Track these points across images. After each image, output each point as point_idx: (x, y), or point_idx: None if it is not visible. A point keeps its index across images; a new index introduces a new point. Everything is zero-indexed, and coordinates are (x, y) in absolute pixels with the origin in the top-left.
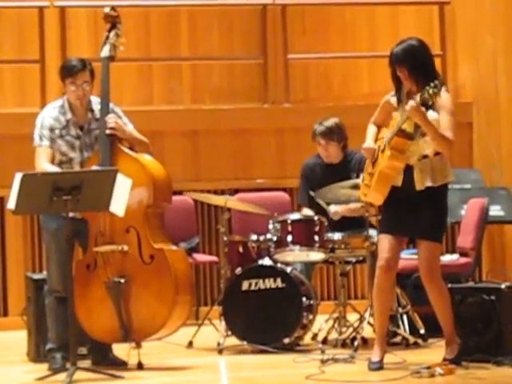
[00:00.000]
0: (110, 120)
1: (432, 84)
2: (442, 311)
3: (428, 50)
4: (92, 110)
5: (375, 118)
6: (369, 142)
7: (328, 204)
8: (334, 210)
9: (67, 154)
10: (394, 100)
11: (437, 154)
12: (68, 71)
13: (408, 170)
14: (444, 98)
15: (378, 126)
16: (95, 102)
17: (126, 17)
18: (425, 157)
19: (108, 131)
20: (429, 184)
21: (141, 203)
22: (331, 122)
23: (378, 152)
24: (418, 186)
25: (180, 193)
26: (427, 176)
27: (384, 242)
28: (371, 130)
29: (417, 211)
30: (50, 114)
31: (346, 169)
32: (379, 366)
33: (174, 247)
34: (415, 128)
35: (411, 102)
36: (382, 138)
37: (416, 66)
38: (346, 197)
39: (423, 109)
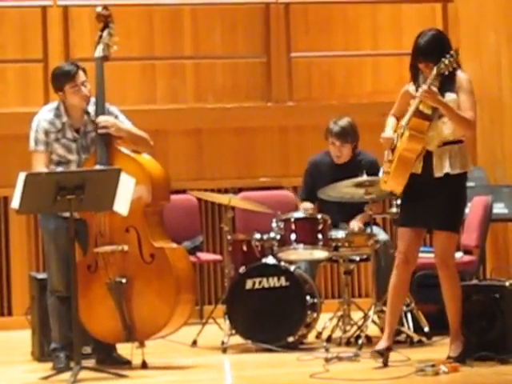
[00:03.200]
0: (101, 119)
1: (448, 55)
2: (452, 302)
3: (449, 41)
4: (88, 113)
5: (395, 110)
6: (388, 132)
7: (337, 217)
8: (358, 227)
9: (65, 156)
10: (412, 89)
11: (457, 142)
12: (66, 76)
13: (427, 157)
14: (462, 78)
15: (398, 117)
16: (91, 104)
17: (129, 16)
18: (445, 144)
19: (100, 131)
20: (447, 171)
21: (139, 202)
22: (345, 121)
23: (397, 139)
24: (437, 173)
25: (183, 191)
26: (446, 163)
27: (403, 235)
28: (391, 121)
29: (434, 202)
30: (45, 117)
31: (355, 169)
32: (382, 352)
33: (174, 245)
34: (433, 109)
35: (423, 86)
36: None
37: (440, 57)
38: (349, 195)
39: (435, 89)
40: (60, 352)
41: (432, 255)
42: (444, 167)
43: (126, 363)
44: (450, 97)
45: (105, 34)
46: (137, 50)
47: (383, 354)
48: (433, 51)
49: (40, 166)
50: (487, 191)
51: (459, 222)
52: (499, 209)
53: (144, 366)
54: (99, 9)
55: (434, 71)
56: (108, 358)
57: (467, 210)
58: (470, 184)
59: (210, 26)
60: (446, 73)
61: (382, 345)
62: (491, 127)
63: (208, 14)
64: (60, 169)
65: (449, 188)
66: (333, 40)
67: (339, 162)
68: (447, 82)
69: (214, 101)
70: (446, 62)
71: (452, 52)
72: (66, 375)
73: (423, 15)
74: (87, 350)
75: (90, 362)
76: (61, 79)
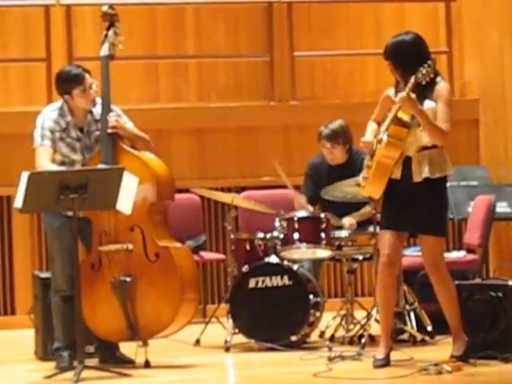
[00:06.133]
0: (112, 118)
1: (425, 64)
2: (448, 304)
3: (421, 45)
4: (91, 112)
5: (376, 116)
6: (367, 136)
7: (340, 217)
8: (350, 223)
9: (68, 156)
10: (392, 93)
11: (436, 146)
12: (75, 81)
13: (406, 162)
14: (442, 87)
15: (378, 122)
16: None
17: (132, 15)
18: (424, 148)
19: (110, 130)
20: (426, 175)
21: (144, 201)
22: (336, 124)
23: (376, 145)
24: (416, 178)
25: (186, 191)
26: (425, 168)
27: (385, 238)
28: (371, 126)
29: (416, 206)
30: (50, 117)
31: (352, 168)
32: (383, 363)
33: (178, 244)
34: (411, 116)
35: (401, 94)
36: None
37: (403, 61)
38: (351, 194)
39: (413, 95)
40: (63, 351)
41: None
42: (423, 172)
43: (129, 362)
44: (428, 105)
45: (110, 32)
46: (140, 49)
47: (387, 364)
48: (392, 50)
49: (45, 158)
50: (490, 190)
51: (444, 226)
52: (502, 208)
53: (147, 365)
54: (105, 8)
55: (412, 80)
56: (111, 357)
57: (470, 209)
58: (472, 183)
59: (212, 25)
60: (424, 82)
61: (382, 353)
62: (494, 126)
63: (211, 13)
64: (63, 169)
65: (430, 192)
66: (336, 39)
67: (333, 163)
68: (426, 90)
69: (216, 100)
70: (424, 71)
71: (429, 62)
72: (69, 374)
73: (426, 14)
74: (90, 349)
75: (93, 361)
76: (70, 83)
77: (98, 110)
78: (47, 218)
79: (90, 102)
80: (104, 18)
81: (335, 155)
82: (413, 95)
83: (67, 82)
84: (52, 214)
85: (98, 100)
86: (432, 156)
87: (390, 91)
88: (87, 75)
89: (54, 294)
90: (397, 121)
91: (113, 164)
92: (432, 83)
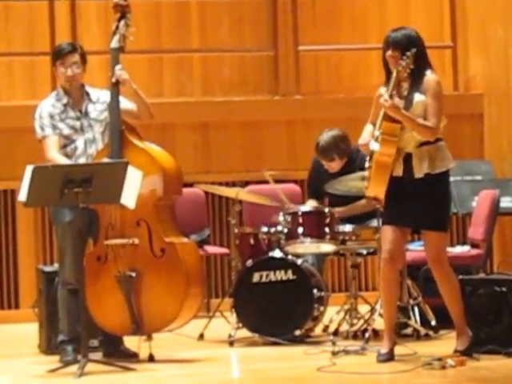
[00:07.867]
0: (118, 71)
1: (404, 57)
2: (451, 299)
3: (423, 41)
4: (87, 93)
5: (371, 117)
6: (363, 137)
7: (333, 207)
8: (338, 210)
9: (70, 137)
10: (384, 90)
11: (435, 141)
12: (57, 54)
13: (407, 159)
14: (430, 79)
15: (375, 124)
16: (104, 95)
17: (137, 9)
18: (423, 144)
19: (114, 79)
20: (427, 171)
21: (151, 196)
22: (330, 137)
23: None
24: (417, 174)
25: (191, 185)
26: (425, 163)
27: (387, 234)
28: (367, 128)
29: (419, 201)
30: (47, 103)
31: (352, 168)
32: (387, 358)
33: (184, 240)
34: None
35: (384, 96)
36: None
37: (417, 54)
38: (356, 189)
39: (397, 100)
40: (67, 345)
41: None
42: (423, 168)
43: (133, 356)
44: (418, 98)
45: (121, 24)
46: (144, 43)
47: (390, 359)
48: (406, 42)
49: (52, 149)
50: (494, 185)
51: (447, 221)
52: (506, 202)
53: (151, 359)
54: None
55: (394, 74)
56: (115, 351)
57: (474, 204)
58: (477, 178)
59: (217, 20)
60: (405, 75)
61: (385, 347)
62: (499, 121)
63: (215, 7)
64: (67, 150)
65: (432, 188)
66: (340, 33)
67: (332, 172)
68: (416, 83)
69: (221, 94)
70: (404, 63)
71: (408, 53)
72: (73, 368)
73: (431, 8)
74: (94, 342)
75: (97, 355)
76: (54, 55)
77: (94, 93)
78: (57, 212)
79: (66, 79)
80: (115, 9)
81: (332, 167)
82: (396, 100)
83: (53, 55)
84: (62, 208)
85: (96, 90)
86: (431, 151)
87: (382, 89)
88: (75, 54)
89: (62, 286)
90: (388, 117)
91: (120, 158)
92: (421, 76)
